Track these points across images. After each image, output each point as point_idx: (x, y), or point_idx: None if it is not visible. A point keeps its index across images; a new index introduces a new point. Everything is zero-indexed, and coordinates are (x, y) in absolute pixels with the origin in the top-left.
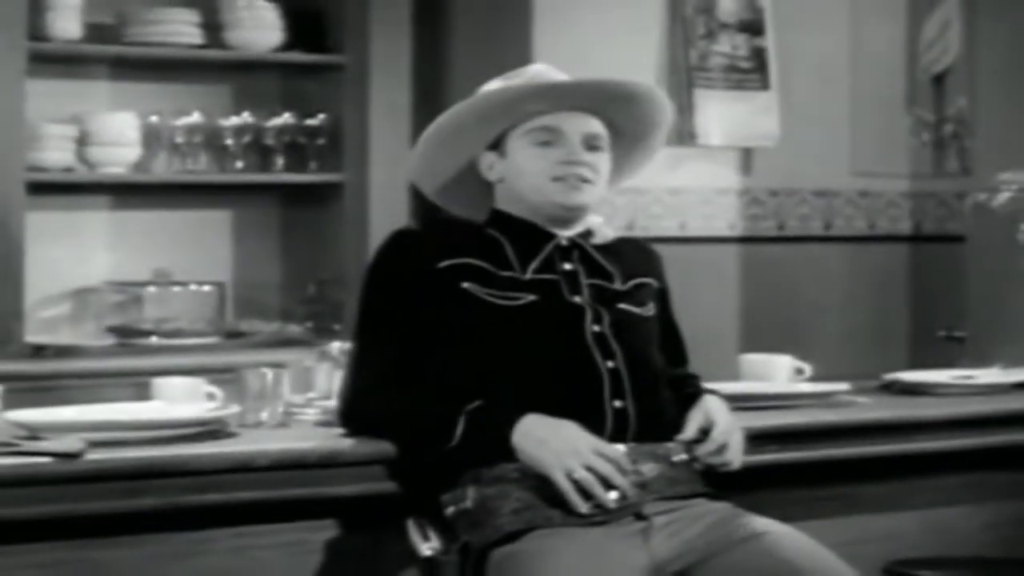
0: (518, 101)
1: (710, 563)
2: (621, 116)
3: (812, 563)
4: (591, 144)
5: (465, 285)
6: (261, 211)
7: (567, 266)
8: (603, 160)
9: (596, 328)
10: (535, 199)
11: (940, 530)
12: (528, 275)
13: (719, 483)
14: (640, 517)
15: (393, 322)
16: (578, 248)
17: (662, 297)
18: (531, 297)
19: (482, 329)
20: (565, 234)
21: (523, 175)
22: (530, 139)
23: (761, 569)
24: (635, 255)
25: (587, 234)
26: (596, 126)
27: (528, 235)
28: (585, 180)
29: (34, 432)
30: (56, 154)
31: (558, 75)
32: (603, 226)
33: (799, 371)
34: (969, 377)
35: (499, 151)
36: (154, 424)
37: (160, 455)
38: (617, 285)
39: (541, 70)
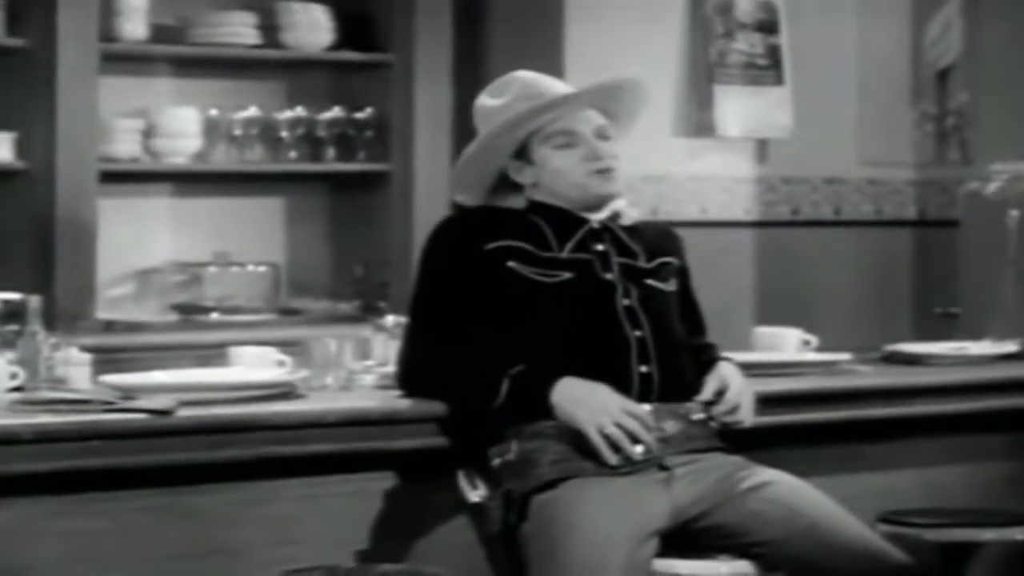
0: (537, 117)
1: (724, 508)
2: (612, 105)
3: (814, 508)
4: (602, 135)
5: (510, 264)
6: (313, 198)
7: (599, 247)
8: (615, 145)
9: (626, 302)
10: (575, 194)
11: (933, 487)
12: (565, 254)
13: (733, 440)
14: (663, 468)
15: (446, 297)
16: (608, 231)
17: (682, 274)
18: (568, 274)
19: (525, 302)
20: (596, 218)
21: (558, 176)
22: (552, 144)
23: (769, 513)
24: (657, 237)
25: (614, 217)
26: (601, 118)
27: (564, 220)
28: (612, 169)
29: (128, 393)
30: (125, 146)
31: (545, 82)
32: (628, 208)
33: (806, 342)
34: (962, 349)
35: (524, 159)
36: (236, 386)
37: (241, 412)
38: (643, 263)
39: (526, 81)
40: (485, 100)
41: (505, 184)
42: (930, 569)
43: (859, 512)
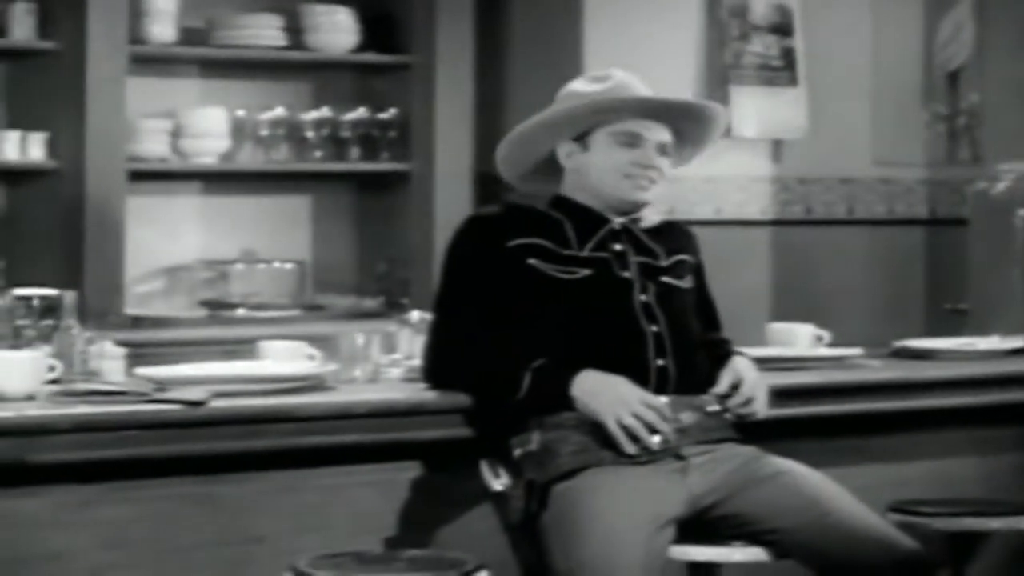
0: (612, 109)
1: (738, 496)
2: (686, 127)
3: (826, 497)
4: (663, 151)
5: (531, 261)
6: (337, 197)
7: (618, 246)
8: (668, 164)
9: (643, 298)
10: (604, 191)
11: (942, 478)
12: (585, 253)
13: (747, 432)
14: (679, 458)
15: (470, 293)
16: (627, 231)
17: (698, 271)
18: (587, 272)
19: (546, 298)
20: (618, 220)
21: (600, 168)
22: (614, 139)
23: (782, 502)
24: (675, 235)
25: (635, 220)
26: (668, 135)
27: (586, 218)
28: (652, 181)
29: (162, 385)
30: (153, 146)
31: (640, 86)
32: (650, 213)
33: (819, 338)
34: (970, 344)
35: (582, 144)
36: (267, 378)
37: (272, 404)
38: (661, 262)
39: (624, 78)
40: (577, 85)
41: (544, 168)
42: (939, 557)
43: (870, 502)
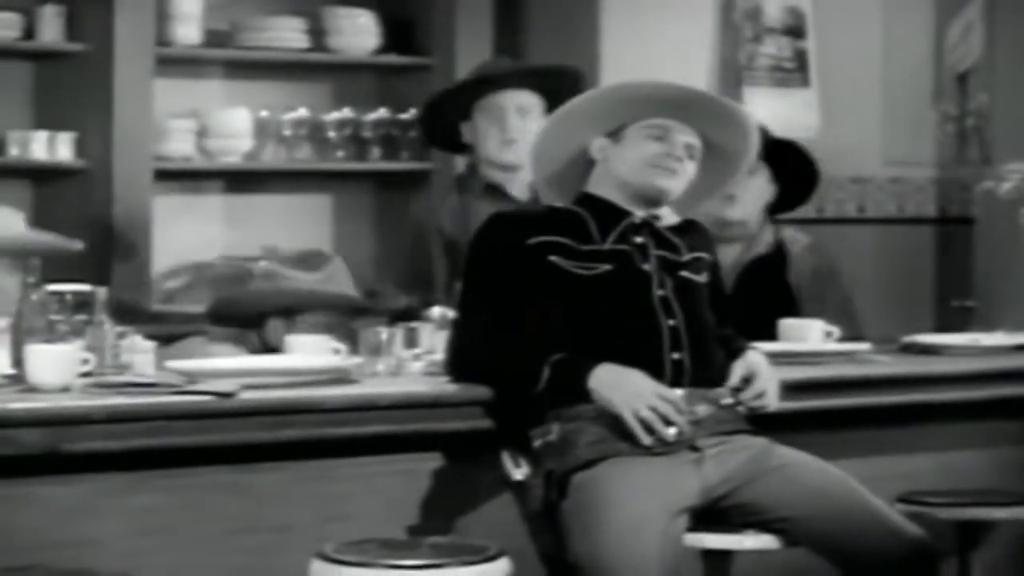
0: (640, 99)
1: (750, 486)
2: (717, 135)
3: (835, 486)
4: (690, 152)
5: (552, 258)
6: (358, 195)
7: (638, 239)
8: (693, 167)
9: (661, 292)
10: (631, 179)
11: (950, 470)
12: (607, 246)
13: (759, 425)
14: (694, 449)
15: (491, 289)
16: (648, 225)
17: (713, 268)
18: (607, 267)
19: (566, 294)
20: (639, 213)
21: (630, 159)
22: (645, 132)
23: (792, 492)
24: (694, 233)
25: (656, 216)
26: (696, 139)
27: (608, 212)
28: (676, 172)
29: (192, 377)
30: (179, 145)
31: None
32: (669, 214)
33: (828, 334)
34: (976, 340)
35: (615, 139)
36: (294, 371)
37: (299, 395)
38: (681, 256)
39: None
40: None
41: (571, 173)
42: (946, 546)
43: (878, 493)
